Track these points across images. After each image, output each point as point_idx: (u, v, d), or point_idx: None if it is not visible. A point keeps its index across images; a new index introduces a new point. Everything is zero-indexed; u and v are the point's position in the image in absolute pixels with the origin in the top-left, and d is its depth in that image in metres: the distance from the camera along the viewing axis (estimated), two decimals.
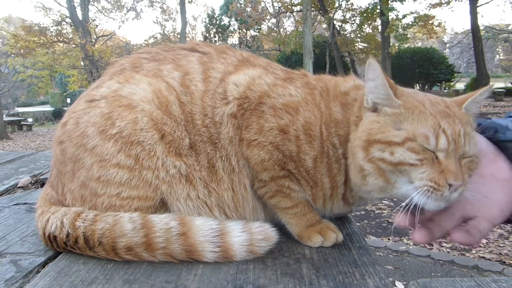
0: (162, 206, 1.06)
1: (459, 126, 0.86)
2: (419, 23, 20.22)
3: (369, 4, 21.59)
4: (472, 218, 0.86)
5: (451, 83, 27.12)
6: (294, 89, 1.09)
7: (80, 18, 23.30)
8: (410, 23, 19.70)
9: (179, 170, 1.04)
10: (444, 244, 4.12)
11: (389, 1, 18.88)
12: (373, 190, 0.94)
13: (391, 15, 19.07)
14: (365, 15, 21.95)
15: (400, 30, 18.89)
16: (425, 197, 0.83)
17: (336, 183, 1.04)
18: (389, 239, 4.38)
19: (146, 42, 30.30)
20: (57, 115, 23.54)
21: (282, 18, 29.51)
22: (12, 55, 22.52)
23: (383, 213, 5.22)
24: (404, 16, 19.33)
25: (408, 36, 20.52)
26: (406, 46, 22.38)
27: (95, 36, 24.81)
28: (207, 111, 1.08)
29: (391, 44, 20.93)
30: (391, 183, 0.89)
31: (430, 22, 20.53)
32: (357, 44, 25.40)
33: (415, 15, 19.83)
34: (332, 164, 1.03)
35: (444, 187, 0.82)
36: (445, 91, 27.67)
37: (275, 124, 1.03)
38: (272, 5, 27.19)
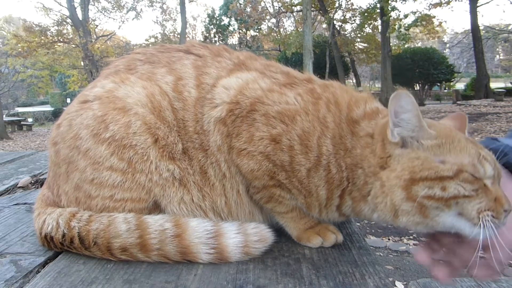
0: (156, 208, 1.06)
1: (491, 152, 0.86)
2: (422, 23, 20.20)
3: (369, 4, 21.60)
4: (491, 246, 0.81)
5: (451, 83, 27.10)
6: (293, 97, 1.02)
7: (80, 18, 23.31)
8: (411, 22, 19.68)
9: (172, 174, 1.03)
10: None
11: (390, 0, 18.87)
12: (403, 226, 0.89)
13: (393, 15, 19.07)
14: (365, 14, 21.94)
15: (402, 30, 18.89)
16: (488, 227, 0.79)
17: (332, 195, 0.99)
18: (389, 239, 4.38)
19: (146, 42, 30.34)
20: (57, 115, 23.38)
21: (282, 18, 29.52)
22: (13, 56, 22.49)
23: None
24: (406, 16, 19.33)
25: (411, 35, 20.50)
26: (406, 46, 22.36)
27: (95, 36, 24.79)
28: (198, 118, 1.06)
29: (394, 44, 20.91)
30: (429, 218, 0.84)
31: (432, 21, 20.53)
32: (357, 44, 25.41)
33: (417, 14, 19.83)
34: (334, 182, 0.97)
35: (502, 214, 0.81)
36: (445, 91, 27.69)
37: (267, 133, 0.98)
38: (272, 5, 27.20)
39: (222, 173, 1.06)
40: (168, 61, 1.15)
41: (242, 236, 0.99)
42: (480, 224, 0.80)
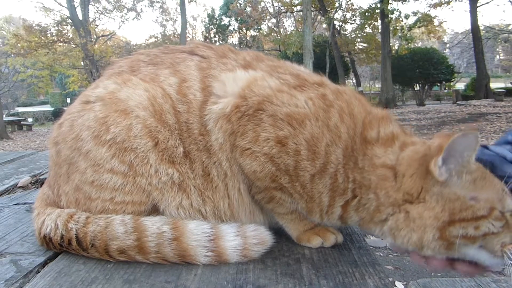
0: (155, 211, 1.06)
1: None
2: (423, 23, 20.21)
3: (370, 5, 21.62)
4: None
5: (451, 83, 27.10)
6: (303, 100, 0.98)
7: (80, 18, 23.32)
8: (413, 23, 19.72)
9: (171, 178, 1.02)
10: None
11: (390, 0, 18.88)
12: (424, 254, 0.89)
13: (393, 16, 19.09)
14: (366, 14, 21.94)
15: (403, 31, 18.91)
16: (508, 258, 0.82)
17: (334, 203, 0.97)
18: None
19: (146, 42, 30.37)
20: (57, 115, 23.43)
21: (282, 18, 29.54)
22: (13, 55, 22.49)
23: None
24: (407, 17, 19.36)
25: (413, 36, 20.52)
26: (406, 46, 22.37)
27: (95, 36, 24.80)
28: (203, 120, 1.04)
29: (400, 45, 20.93)
30: (453, 251, 0.84)
31: (433, 22, 20.56)
32: (357, 44, 25.41)
33: (419, 15, 19.86)
34: (337, 190, 0.95)
35: None
36: (445, 91, 27.68)
37: (273, 134, 0.96)
38: (272, 5, 27.23)
39: (224, 172, 1.04)
40: (172, 62, 1.13)
41: (241, 238, 0.99)
42: (501, 256, 0.82)
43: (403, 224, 0.87)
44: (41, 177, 1.97)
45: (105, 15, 27.27)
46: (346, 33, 25.87)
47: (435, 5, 20.55)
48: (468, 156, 0.83)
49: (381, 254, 3.95)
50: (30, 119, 23.63)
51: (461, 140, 0.80)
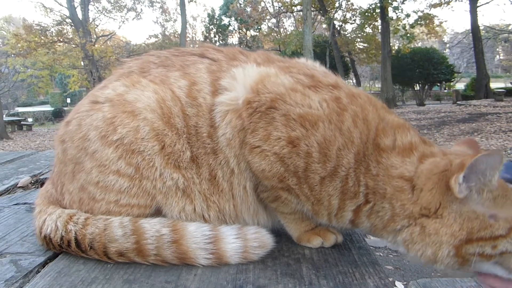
0: (158, 214, 1.06)
1: None
2: (424, 21, 20.23)
3: (370, 5, 21.62)
4: None
5: (451, 83, 27.11)
6: (317, 101, 0.96)
7: (80, 18, 23.32)
8: (414, 21, 19.74)
9: (176, 183, 1.02)
10: None
11: (390, 0, 18.89)
12: (435, 268, 0.88)
13: (394, 15, 19.12)
14: (366, 14, 21.95)
15: (402, 29, 18.92)
16: None
17: (344, 206, 0.95)
18: None
19: (146, 42, 30.39)
20: (57, 115, 23.61)
21: (282, 18, 29.56)
22: (13, 55, 22.50)
23: None
24: (407, 15, 19.37)
25: (414, 35, 20.52)
26: (406, 46, 22.39)
27: (95, 36, 24.79)
28: (213, 122, 1.02)
29: (401, 44, 20.93)
30: (467, 266, 0.84)
31: (433, 21, 20.58)
32: (357, 44, 25.42)
33: (419, 13, 19.90)
34: (348, 193, 0.94)
35: None
36: (445, 91, 27.68)
37: (285, 134, 0.94)
38: (272, 5, 27.24)
39: (230, 170, 1.03)
40: (182, 64, 1.12)
41: (241, 241, 0.98)
42: None
43: (418, 238, 0.86)
44: (41, 177, 1.97)
45: (105, 15, 27.27)
46: (346, 33, 25.87)
47: (435, 5, 20.56)
48: (491, 176, 0.81)
49: (381, 254, 3.95)
50: (30, 119, 23.62)
51: (485, 159, 0.79)
